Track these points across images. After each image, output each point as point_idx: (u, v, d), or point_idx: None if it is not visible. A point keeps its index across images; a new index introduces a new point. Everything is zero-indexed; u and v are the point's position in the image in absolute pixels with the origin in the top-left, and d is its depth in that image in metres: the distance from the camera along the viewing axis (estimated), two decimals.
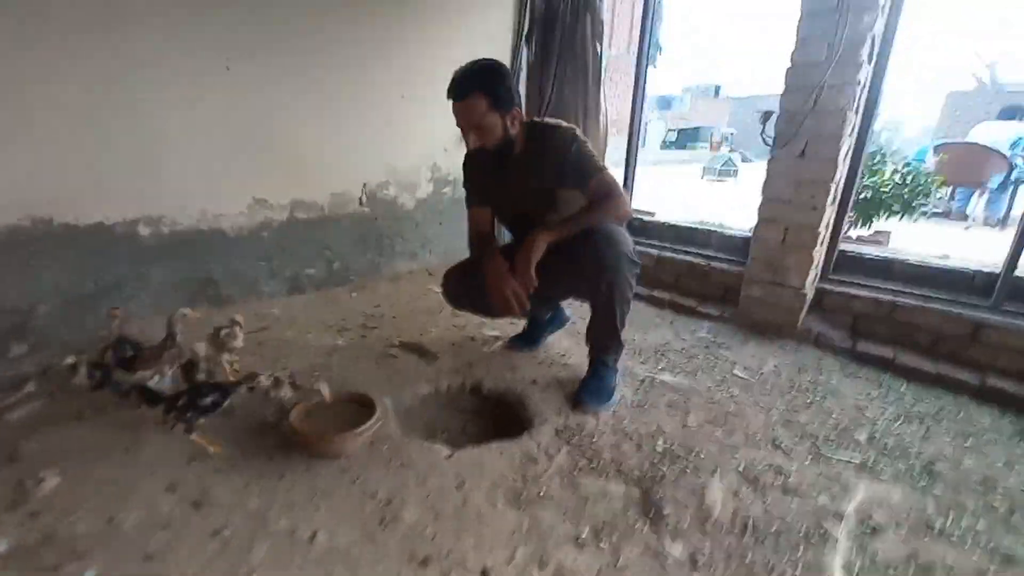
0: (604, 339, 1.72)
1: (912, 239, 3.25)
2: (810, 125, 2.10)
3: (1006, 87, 17.10)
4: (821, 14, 2.00)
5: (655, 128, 25.58)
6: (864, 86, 2.05)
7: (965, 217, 5.89)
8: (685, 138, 24.58)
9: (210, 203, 2.12)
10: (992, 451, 1.58)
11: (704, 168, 11.76)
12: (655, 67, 22.27)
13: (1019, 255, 1.95)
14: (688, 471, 1.39)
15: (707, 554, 1.13)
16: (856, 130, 2.13)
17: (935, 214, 6.11)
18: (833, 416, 1.72)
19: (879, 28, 1.98)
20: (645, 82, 2.97)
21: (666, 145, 24.73)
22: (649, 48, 3.07)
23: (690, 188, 9.58)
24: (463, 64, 1.53)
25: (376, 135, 2.60)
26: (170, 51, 1.88)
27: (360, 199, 2.63)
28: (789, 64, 2.13)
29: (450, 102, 1.53)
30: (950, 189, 6.00)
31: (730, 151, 22.34)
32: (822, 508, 1.27)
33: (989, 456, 1.55)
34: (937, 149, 5.65)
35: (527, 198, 1.72)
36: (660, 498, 1.27)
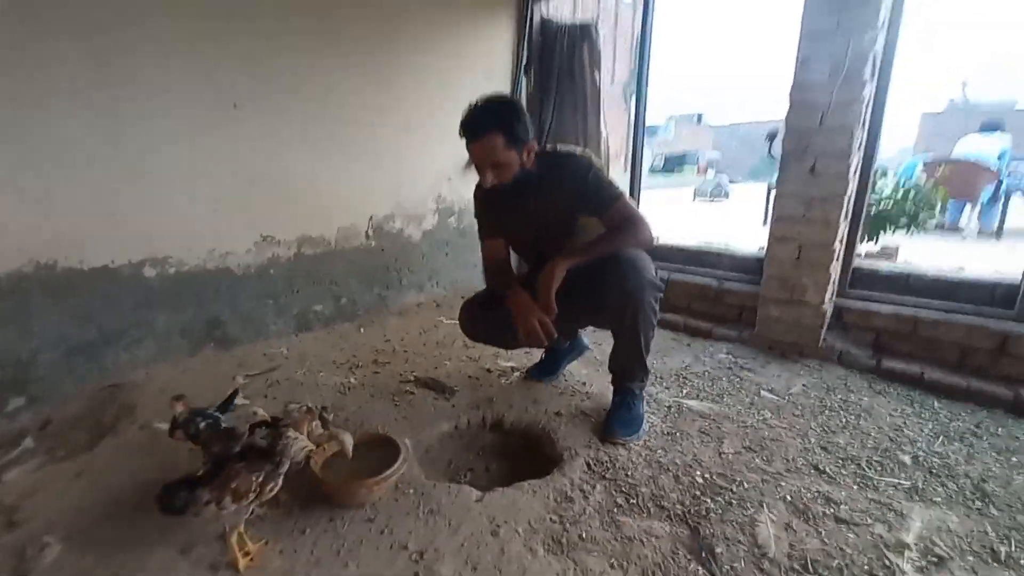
0: (629, 366, 1.66)
1: (919, 253, 3.25)
2: (818, 142, 2.10)
3: (980, 106, 17.66)
4: (821, 35, 2.03)
5: (644, 155, 26.09)
6: (868, 103, 2.06)
7: (958, 229, 5.93)
8: (672, 163, 25.06)
9: (217, 242, 2.07)
10: None
11: (695, 191, 11.90)
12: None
13: None
14: (733, 504, 1.32)
15: None
16: (863, 146, 2.13)
17: (929, 227, 6.18)
18: (872, 437, 1.66)
19: (880, 46, 2.01)
20: (645, 110, 3.00)
21: (655, 170, 25.18)
22: (644, 79, 3.11)
23: (684, 210, 9.66)
24: (473, 101, 1.51)
25: (381, 168, 2.58)
26: (176, 91, 1.87)
27: (367, 232, 2.60)
28: (792, 84, 2.14)
29: (463, 140, 1.51)
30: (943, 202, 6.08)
31: (717, 173, 22.78)
32: (881, 539, 1.20)
33: None
34: (927, 165, 5.74)
35: (544, 228, 1.68)
36: (710, 536, 1.20)
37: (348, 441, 1.28)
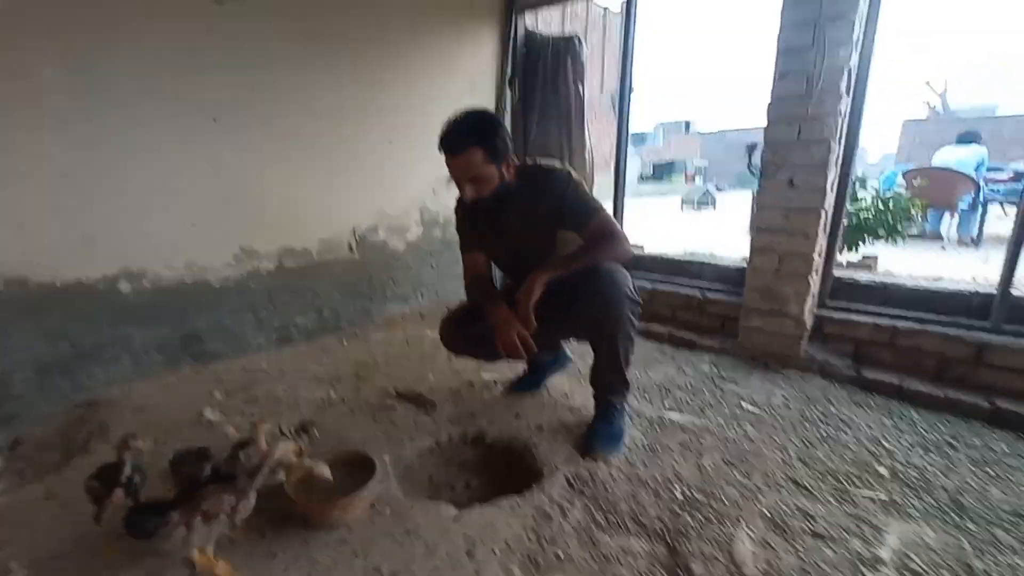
0: (610, 380, 1.66)
1: (899, 262, 3.30)
2: (796, 156, 2.13)
3: (958, 113, 18.08)
4: (798, 50, 2.06)
5: (631, 163, 26.36)
6: (844, 116, 2.09)
7: (939, 237, 6.03)
8: (661, 172, 25.34)
9: (195, 255, 2.05)
10: (1016, 478, 1.53)
11: (683, 200, 12.02)
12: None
13: (1012, 275, 1.96)
14: (712, 520, 1.31)
15: None
16: (840, 159, 2.16)
17: (910, 235, 6.27)
18: (851, 449, 1.67)
19: (854, 61, 2.04)
20: (628, 121, 3.02)
21: (643, 179, 25.42)
22: (627, 90, 3.13)
23: (671, 219, 9.75)
24: (452, 115, 1.51)
25: (364, 180, 2.58)
26: (154, 105, 1.85)
27: (350, 245, 2.58)
28: (770, 98, 2.18)
29: (442, 154, 1.51)
30: (922, 211, 6.19)
31: (704, 182, 23.04)
32: (857, 554, 1.20)
33: (1014, 484, 1.50)
34: (906, 175, 5.84)
35: (524, 242, 1.69)
36: (687, 554, 1.19)
37: (325, 471, 1.25)
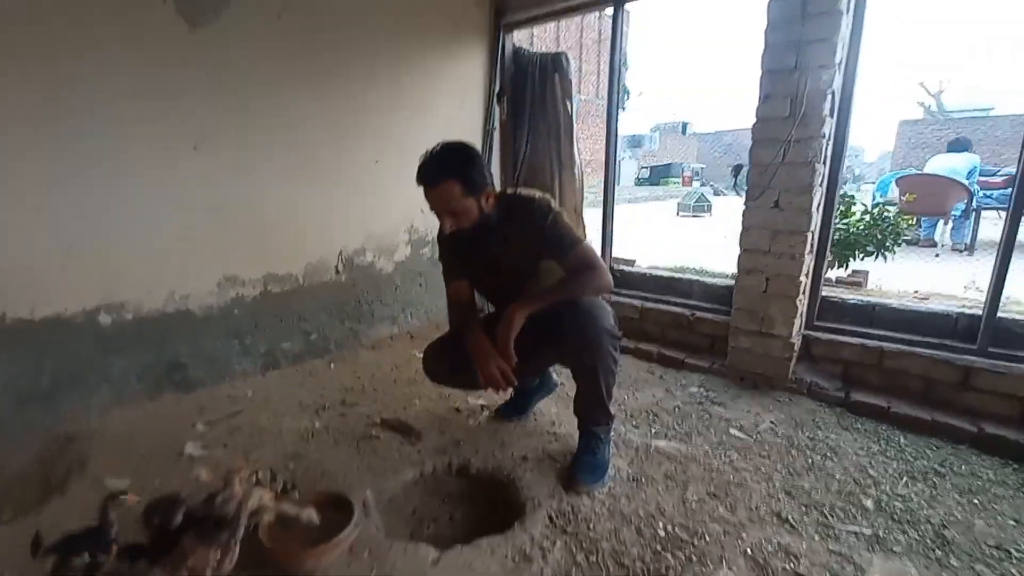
0: (592, 411, 1.65)
1: (890, 275, 3.29)
2: (781, 178, 2.12)
3: (953, 113, 18.19)
4: (781, 73, 2.06)
5: (628, 166, 26.39)
6: (829, 138, 2.09)
7: (934, 244, 6.05)
8: (657, 174, 25.32)
9: (177, 284, 2.03)
10: (1001, 507, 1.52)
11: (679, 205, 12.00)
12: (624, 110, 23.30)
13: (999, 298, 1.95)
14: (694, 559, 1.30)
15: None
16: (826, 180, 2.16)
17: (905, 241, 6.28)
18: (837, 478, 1.66)
19: (838, 83, 2.04)
20: (616, 134, 3.00)
21: (640, 182, 25.43)
22: (618, 99, 3.12)
23: (666, 226, 9.74)
24: (430, 148, 1.50)
25: (351, 202, 2.57)
26: (132, 133, 1.84)
27: (336, 267, 2.57)
28: (755, 119, 2.17)
29: (420, 187, 1.50)
30: (916, 218, 6.21)
31: (701, 185, 23.03)
32: None
33: (999, 515, 1.49)
34: (899, 182, 5.86)
35: (506, 271, 1.68)
36: None
37: (312, 516, 1.23)
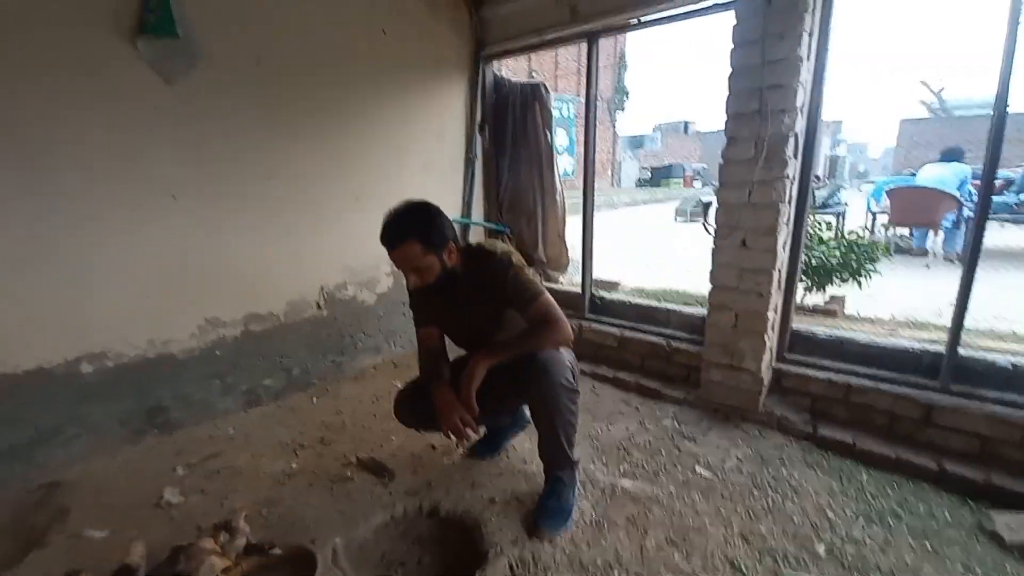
0: (554, 458, 1.70)
1: (877, 289, 3.28)
2: (747, 218, 2.17)
3: (955, 110, 18.09)
4: (744, 117, 2.10)
5: (629, 168, 26.40)
6: (794, 179, 2.13)
7: (925, 253, 6.06)
8: (659, 176, 25.29)
9: (157, 330, 2.09)
10: (952, 552, 1.56)
11: (676, 210, 12.00)
12: (623, 111, 23.29)
13: (959, 336, 1.99)
14: None
15: None
16: (791, 219, 2.20)
17: (898, 250, 6.30)
18: (794, 521, 1.70)
19: (800, 126, 2.08)
20: (594, 161, 3.05)
21: (641, 184, 25.41)
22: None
23: (662, 232, 9.78)
24: (391, 209, 1.56)
25: (331, 239, 2.63)
26: (106, 190, 1.90)
27: (318, 303, 2.63)
28: (721, 161, 2.22)
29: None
30: (909, 229, 6.22)
31: (703, 185, 22.98)
32: None
33: (948, 560, 1.53)
34: (889, 193, 5.88)
35: (472, 320, 1.74)
36: None
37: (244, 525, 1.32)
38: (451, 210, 3.18)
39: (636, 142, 30.78)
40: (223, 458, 2.06)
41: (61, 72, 1.76)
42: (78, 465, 1.93)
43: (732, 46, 2.11)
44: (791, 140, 2.04)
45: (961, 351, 2.01)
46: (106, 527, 1.66)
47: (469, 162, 3.28)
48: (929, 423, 1.99)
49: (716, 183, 2.26)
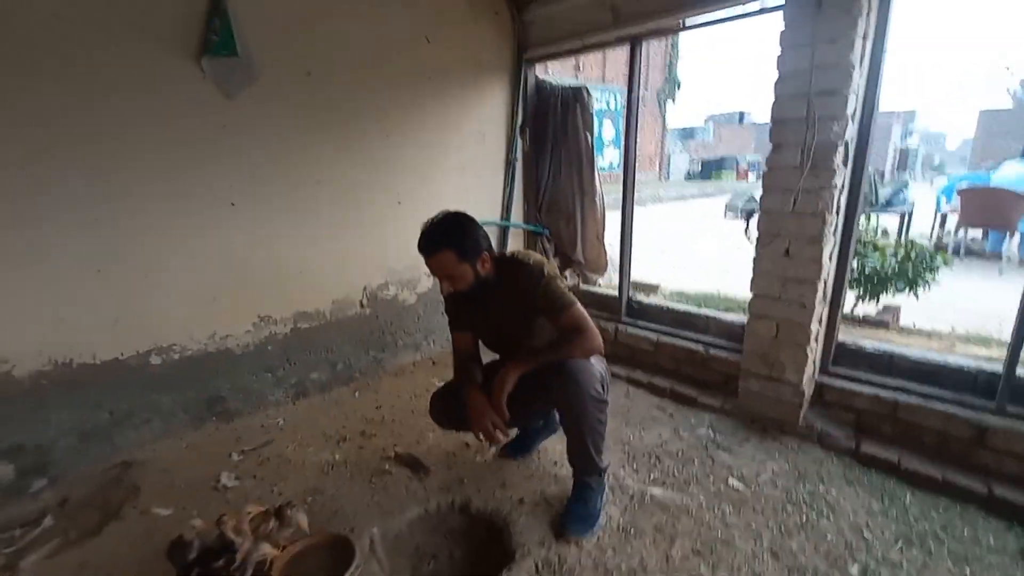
0: (582, 464, 1.74)
1: (933, 302, 3.10)
2: (791, 227, 2.11)
3: None
4: (791, 123, 2.04)
5: (679, 160, 25.67)
6: (842, 189, 2.06)
7: (1000, 257, 5.64)
8: (710, 168, 24.45)
9: (218, 326, 2.27)
10: None
11: (726, 206, 11.57)
12: (674, 102, 22.65)
13: (1018, 356, 1.88)
14: None
15: None
16: (839, 230, 2.12)
17: (969, 253, 5.88)
18: (827, 540, 1.66)
19: (851, 134, 2.00)
20: (634, 164, 3.01)
21: (690, 177, 24.67)
22: (637, 124, 3.10)
23: (710, 231, 9.49)
24: (429, 219, 1.63)
25: (374, 242, 2.74)
26: (175, 201, 2.07)
27: (361, 301, 2.76)
28: (766, 168, 2.16)
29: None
30: (982, 230, 5.80)
31: (757, 179, 22.05)
32: None
33: None
34: (960, 193, 5.49)
35: (504, 327, 1.79)
36: None
37: (303, 519, 1.44)
38: (490, 212, 3.25)
39: (687, 133, 29.87)
40: (273, 447, 2.22)
41: (133, 91, 1.92)
42: (148, 447, 2.13)
43: (779, 50, 2.05)
44: (840, 148, 1.96)
45: (1021, 372, 1.90)
46: (171, 505, 1.84)
47: (509, 164, 3.32)
48: (981, 445, 1.90)
49: None
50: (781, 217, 2.13)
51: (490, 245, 1.70)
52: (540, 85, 3.34)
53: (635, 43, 2.74)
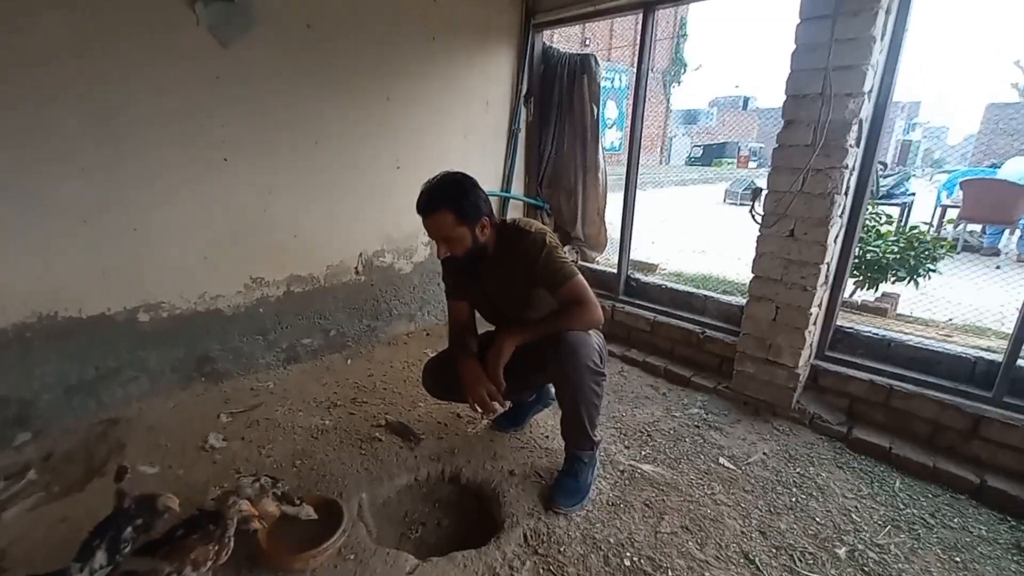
0: (575, 437, 1.72)
1: (936, 290, 3.09)
2: (798, 207, 2.06)
3: None
4: (804, 99, 1.98)
5: (681, 144, 25.39)
6: (853, 169, 2.01)
7: (997, 253, 5.63)
8: (711, 154, 24.20)
9: (208, 286, 2.21)
10: (983, 569, 1.50)
11: (726, 192, 11.50)
12: (679, 84, 22.29)
13: (1020, 346, 1.86)
14: None
15: None
16: (847, 212, 2.08)
17: (966, 247, 5.87)
18: (816, 521, 1.67)
19: (867, 112, 1.95)
20: (640, 141, 2.95)
21: (691, 161, 24.42)
22: (646, 92, 3.01)
23: (708, 217, 9.44)
24: (429, 178, 1.57)
25: (372, 207, 2.67)
26: (168, 150, 1.99)
27: (356, 268, 2.70)
28: (776, 145, 2.11)
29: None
30: (981, 225, 5.77)
31: (758, 166, 21.87)
32: None
33: None
34: (964, 185, 5.45)
35: (502, 297, 1.75)
36: None
37: (310, 512, 1.44)
38: (491, 182, 3.18)
39: (690, 117, 29.45)
40: (263, 410, 2.19)
41: (129, 35, 1.83)
42: (134, 404, 2.10)
43: (799, 20, 1.97)
44: (854, 127, 1.91)
45: (1022, 363, 1.89)
46: (156, 464, 1.81)
47: (512, 134, 3.24)
48: (976, 435, 1.89)
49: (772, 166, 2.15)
50: (789, 197, 2.08)
51: (491, 210, 1.64)
52: (547, 52, 3.23)
53: (648, 10, 2.64)
